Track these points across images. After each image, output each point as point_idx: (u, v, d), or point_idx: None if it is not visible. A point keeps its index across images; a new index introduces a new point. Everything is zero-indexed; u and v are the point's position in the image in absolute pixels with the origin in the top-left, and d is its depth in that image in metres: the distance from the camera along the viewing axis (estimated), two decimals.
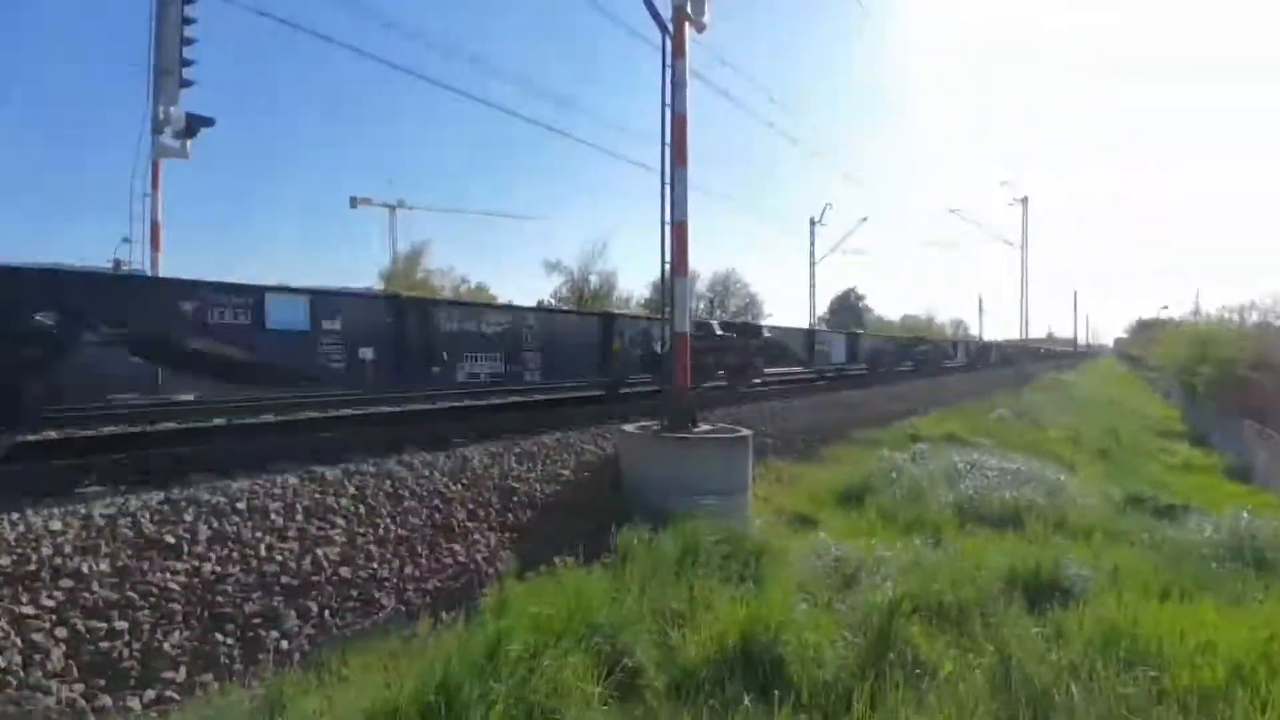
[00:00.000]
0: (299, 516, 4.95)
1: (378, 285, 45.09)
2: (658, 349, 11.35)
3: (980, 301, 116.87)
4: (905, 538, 6.77)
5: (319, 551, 4.74)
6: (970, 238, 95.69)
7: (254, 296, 6.35)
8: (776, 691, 3.72)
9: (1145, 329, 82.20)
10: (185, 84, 14.58)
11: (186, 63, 14.49)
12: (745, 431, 7.93)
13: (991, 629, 4.52)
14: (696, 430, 7.95)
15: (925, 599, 4.83)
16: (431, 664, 3.53)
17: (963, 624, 4.63)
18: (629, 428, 8.03)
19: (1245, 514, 7.10)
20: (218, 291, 6.17)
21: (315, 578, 4.55)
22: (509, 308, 10.42)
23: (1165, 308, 68.12)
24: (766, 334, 16.34)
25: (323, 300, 7.06)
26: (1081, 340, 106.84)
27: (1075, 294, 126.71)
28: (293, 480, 5.30)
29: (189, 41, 14.45)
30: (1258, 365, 26.52)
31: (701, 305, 66.13)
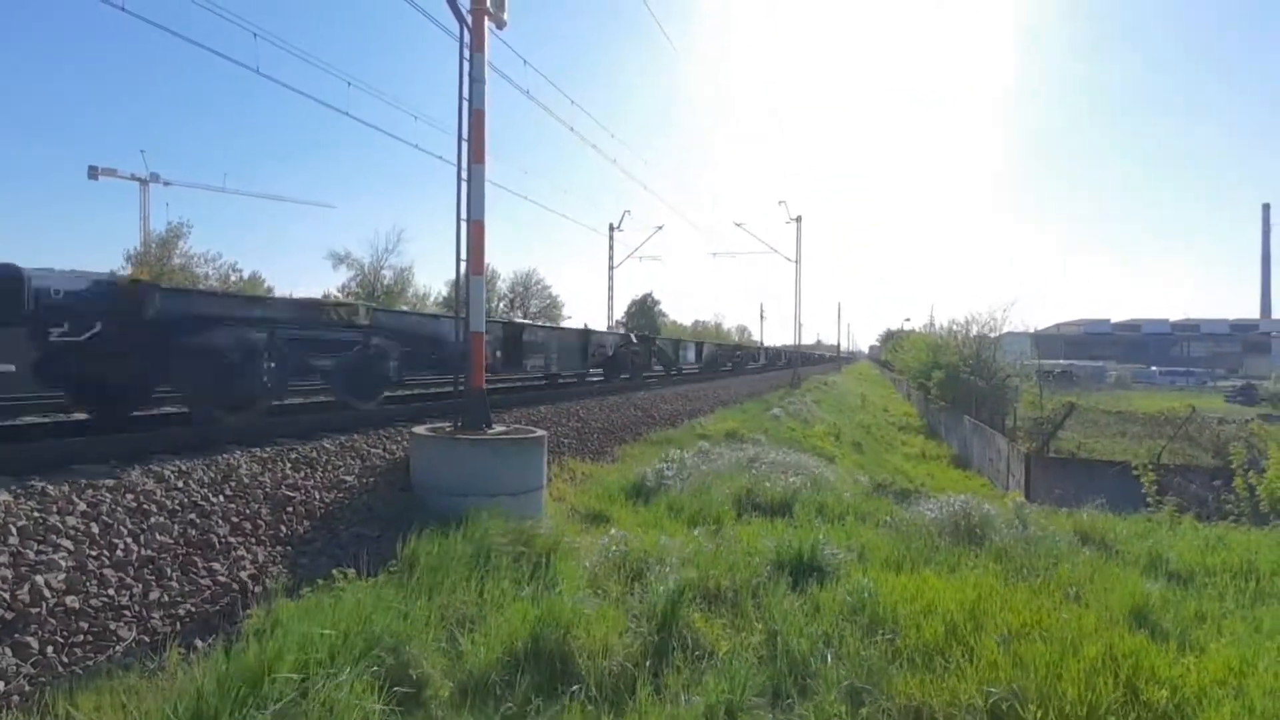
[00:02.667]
0: (12, 539, 4.18)
1: (124, 270, 39.32)
2: (609, 352, 19.02)
3: (761, 309, 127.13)
4: (690, 529, 7.18)
5: (39, 579, 4.03)
6: (753, 250, 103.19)
7: None
8: (565, 686, 3.79)
9: (892, 337, 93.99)
10: None
11: None
12: (540, 432, 7.95)
13: (762, 608, 4.92)
14: (491, 431, 7.84)
15: (705, 585, 5.14)
16: (180, 698, 3.15)
17: (737, 606, 4.99)
18: (421, 430, 7.72)
19: (962, 496, 8.38)
20: None
21: (34, 610, 3.87)
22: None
23: (908, 320, 78.46)
24: (658, 342, 23.62)
25: None
26: (844, 346, 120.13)
27: (839, 305, 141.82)
28: (4, 497, 4.47)
29: None
30: (975, 370, 31.38)
31: (502, 305, 65.28)
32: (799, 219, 41.65)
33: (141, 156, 74.59)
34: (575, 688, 3.79)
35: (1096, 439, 22.64)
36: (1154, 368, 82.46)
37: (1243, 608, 5.59)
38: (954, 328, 37.54)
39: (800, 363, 47.64)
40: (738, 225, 45.48)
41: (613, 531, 6.57)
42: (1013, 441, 20.13)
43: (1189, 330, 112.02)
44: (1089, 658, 4.12)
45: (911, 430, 37.10)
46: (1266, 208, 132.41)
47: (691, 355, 31.89)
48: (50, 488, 4.77)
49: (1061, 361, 67.57)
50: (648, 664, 4.07)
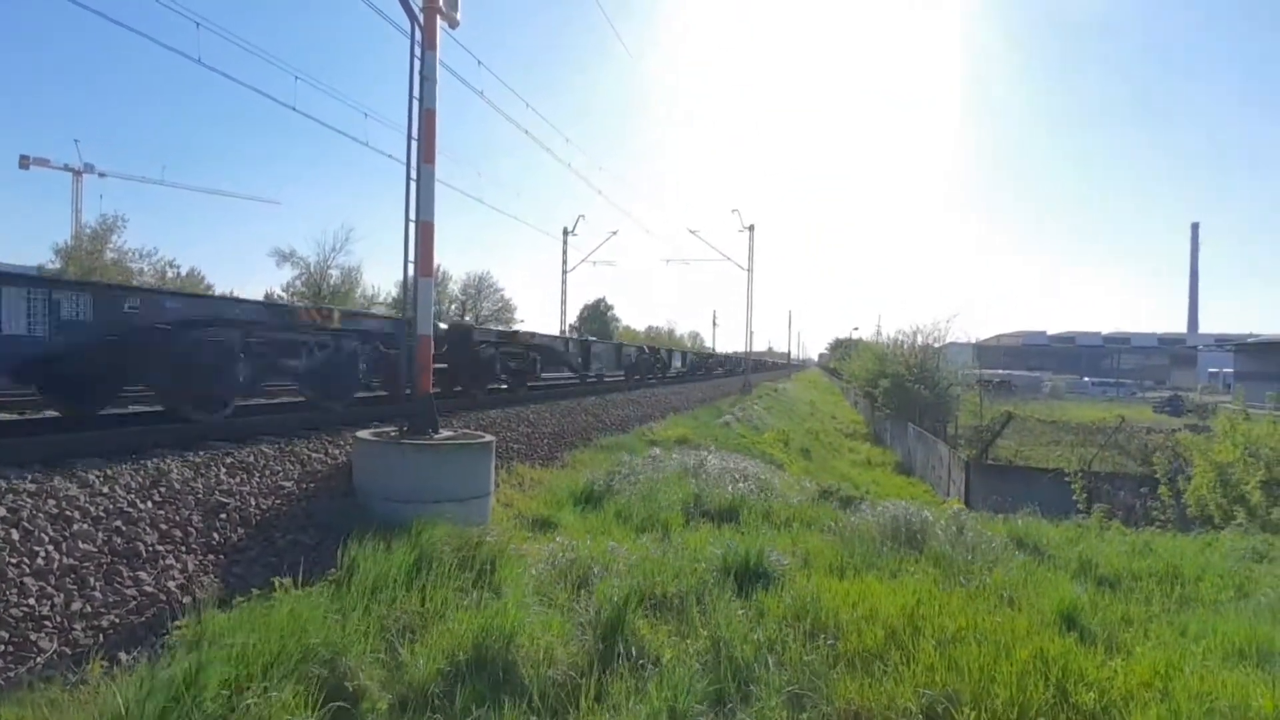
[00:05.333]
0: None
1: (54, 264, 37.56)
2: (632, 359, 23.77)
3: (714, 316, 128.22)
4: (638, 536, 7.18)
5: None
6: (706, 257, 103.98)
7: None
8: (506, 696, 3.74)
9: (841, 346, 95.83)
10: None
11: None
12: (488, 437, 7.85)
13: (707, 615, 4.93)
14: (438, 436, 7.71)
15: (651, 592, 5.15)
16: (101, 713, 3.01)
17: (683, 613, 5.00)
18: (365, 434, 7.55)
19: (904, 503, 8.57)
20: None
21: None
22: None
23: (856, 329, 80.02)
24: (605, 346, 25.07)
25: None
26: (795, 354, 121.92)
27: (790, 313, 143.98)
28: None
29: None
30: (920, 379, 32.19)
31: (453, 307, 64.44)
32: (751, 228, 42.22)
33: (75, 146, 71.46)
34: (518, 698, 3.75)
35: (1033, 447, 23.47)
36: (1087, 378, 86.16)
37: (1168, 612, 5.83)
38: (900, 337, 38.48)
39: (752, 369, 48.18)
40: (692, 232, 45.85)
41: (560, 538, 6.53)
42: (954, 449, 20.71)
43: (1120, 343, 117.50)
44: (1021, 660, 4.25)
45: (858, 437, 37.86)
46: (1195, 226, 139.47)
47: (679, 361, 36.91)
48: None
49: (1000, 371, 70.10)
50: (592, 672, 4.05)
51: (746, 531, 7.32)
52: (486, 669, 3.98)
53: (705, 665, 4.26)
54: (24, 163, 55.65)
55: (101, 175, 57.57)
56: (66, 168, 57.02)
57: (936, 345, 36.36)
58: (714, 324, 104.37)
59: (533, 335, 17.20)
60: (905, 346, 37.30)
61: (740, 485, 9.94)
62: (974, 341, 41.62)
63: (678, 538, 6.92)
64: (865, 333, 64.76)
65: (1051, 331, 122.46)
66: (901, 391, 32.47)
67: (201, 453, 6.50)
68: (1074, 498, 14.61)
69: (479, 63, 13.40)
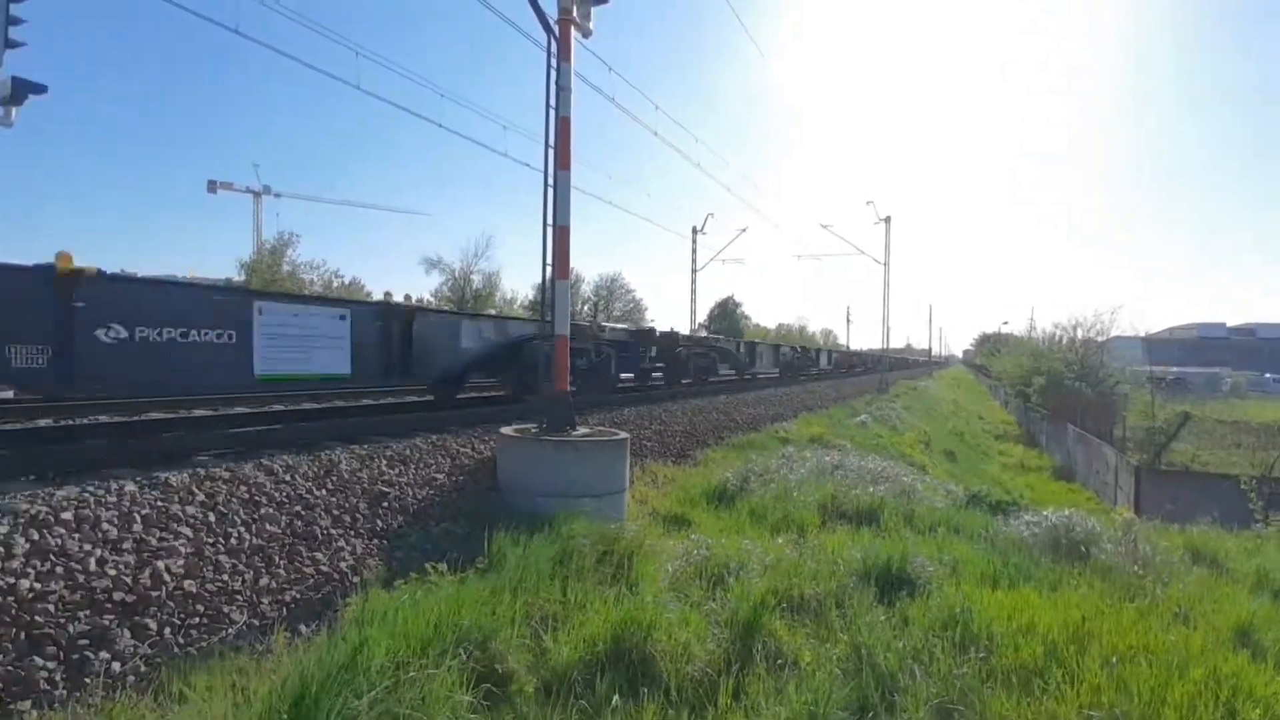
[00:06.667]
0: (137, 526, 4.54)
1: (238, 277, 42.12)
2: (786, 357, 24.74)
3: (848, 312, 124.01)
4: (772, 535, 7.08)
5: (160, 564, 4.37)
6: (839, 252, 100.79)
7: None
8: (645, 688, 3.80)
9: (988, 341, 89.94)
10: (12, 45, 13.03)
11: (14, 21, 12.95)
12: (623, 434, 8.02)
13: (846, 620, 4.79)
14: (575, 433, 7.96)
15: (788, 593, 5.06)
16: (286, 680, 3.34)
17: (821, 616, 4.88)
18: (508, 430, 7.93)
19: (1065, 511, 7.92)
20: None
21: (155, 593, 4.19)
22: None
23: (1006, 323, 74.91)
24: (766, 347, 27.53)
25: None
26: (935, 351, 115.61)
27: (930, 308, 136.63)
28: (130, 487, 4.86)
29: None
30: (1080, 376, 29.62)
31: (586, 308, 66.25)
32: (887, 219, 40.47)
33: (255, 170, 79.84)
34: (655, 690, 3.80)
35: (1211, 450, 21.03)
36: (1270, 375, 75.63)
37: None
38: (1057, 331, 35.59)
39: (889, 367, 46.17)
40: (824, 227, 44.73)
41: (694, 536, 6.56)
42: (1122, 453, 18.90)
43: None
44: (1194, 681, 3.96)
45: (1009, 439, 35.38)
46: None
47: (826, 360, 37.46)
48: (172, 478, 5.16)
49: (1173, 368, 63.01)
50: (729, 671, 4.04)
51: (887, 536, 7.05)
52: (625, 660, 4.06)
53: (846, 671, 4.14)
54: (212, 187, 62.75)
55: (277, 195, 63.96)
56: (248, 190, 63.80)
57: (1099, 340, 33.36)
58: (847, 320, 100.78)
59: (717, 339, 22.33)
60: (1063, 341, 34.47)
61: (879, 487, 9.56)
62: (1142, 335, 37.69)
63: (814, 539, 6.77)
64: (1016, 327, 60.43)
65: (1231, 323, 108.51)
66: (1060, 390, 30.06)
67: (366, 445, 7.07)
68: (1250, 506, 13.02)
69: (609, 69, 13.68)
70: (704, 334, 28.91)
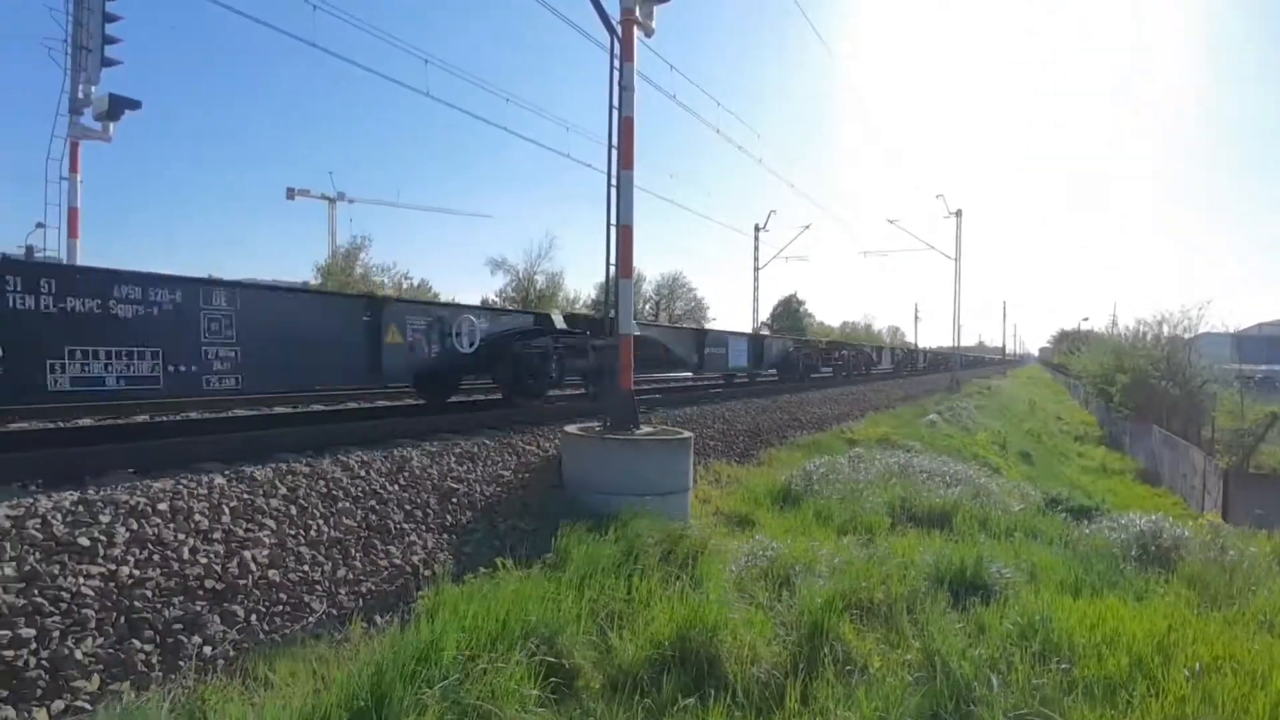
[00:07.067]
0: (225, 518, 4.78)
1: (314, 280, 43.79)
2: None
3: (916, 309, 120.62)
4: (839, 537, 6.95)
5: (246, 554, 4.58)
6: (907, 247, 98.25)
7: None
8: (711, 689, 3.78)
9: (1067, 338, 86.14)
10: (108, 63, 13.90)
11: (110, 40, 13.81)
12: (687, 434, 8.00)
13: (918, 625, 4.67)
14: (639, 431, 7.99)
15: (856, 597, 4.96)
16: (362, 668, 3.46)
17: (891, 621, 4.77)
18: (572, 429, 8.01)
19: (1151, 516, 7.54)
20: None
21: (242, 581, 4.40)
22: None
23: (1086, 319, 71.64)
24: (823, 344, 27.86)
25: None
26: (1009, 348, 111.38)
27: (1004, 304, 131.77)
28: (219, 480, 5.12)
29: (112, 18, 13.77)
30: (1166, 375, 28.07)
31: (647, 307, 66.38)
32: (958, 213, 39.17)
33: (329, 177, 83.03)
34: (722, 691, 3.78)
35: None
36: None
37: None
38: (1141, 327, 33.80)
39: (960, 365, 44.74)
40: (890, 222, 43.42)
41: (758, 536, 6.49)
42: (1209, 455, 17.82)
43: None
44: (1276, 691, 3.86)
45: (1090, 441, 33.82)
46: None
47: (887, 359, 38.27)
48: (257, 472, 5.40)
49: (1261, 367, 58.89)
50: (796, 674, 3.98)
51: (960, 540, 6.84)
52: (690, 660, 4.05)
53: (918, 679, 4.03)
54: (290, 194, 65.32)
55: (350, 201, 66.13)
56: (323, 196, 66.13)
57: (1186, 336, 31.50)
58: (915, 317, 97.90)
59: (818, 342, 25.02)
60: (1148, 338, 32.71)
61: (952, 490, 9.27)
62: (1232, 331, 35.40)
63: (883, 542, 6.63)
64: (1097, 323, 57.64)
65: None
66: (1144, 389, 28.57)
67: (435, 443, 7.25)
68: None
69: (671, 67, 13.68)
70: (767, 333, 28.61)
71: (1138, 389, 29.31)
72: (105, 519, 4.25)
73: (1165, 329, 32.16)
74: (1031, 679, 3.98)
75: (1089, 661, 4.22)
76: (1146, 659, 4.24)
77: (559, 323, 10.98)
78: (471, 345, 9.15)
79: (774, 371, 22.26)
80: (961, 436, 20.73)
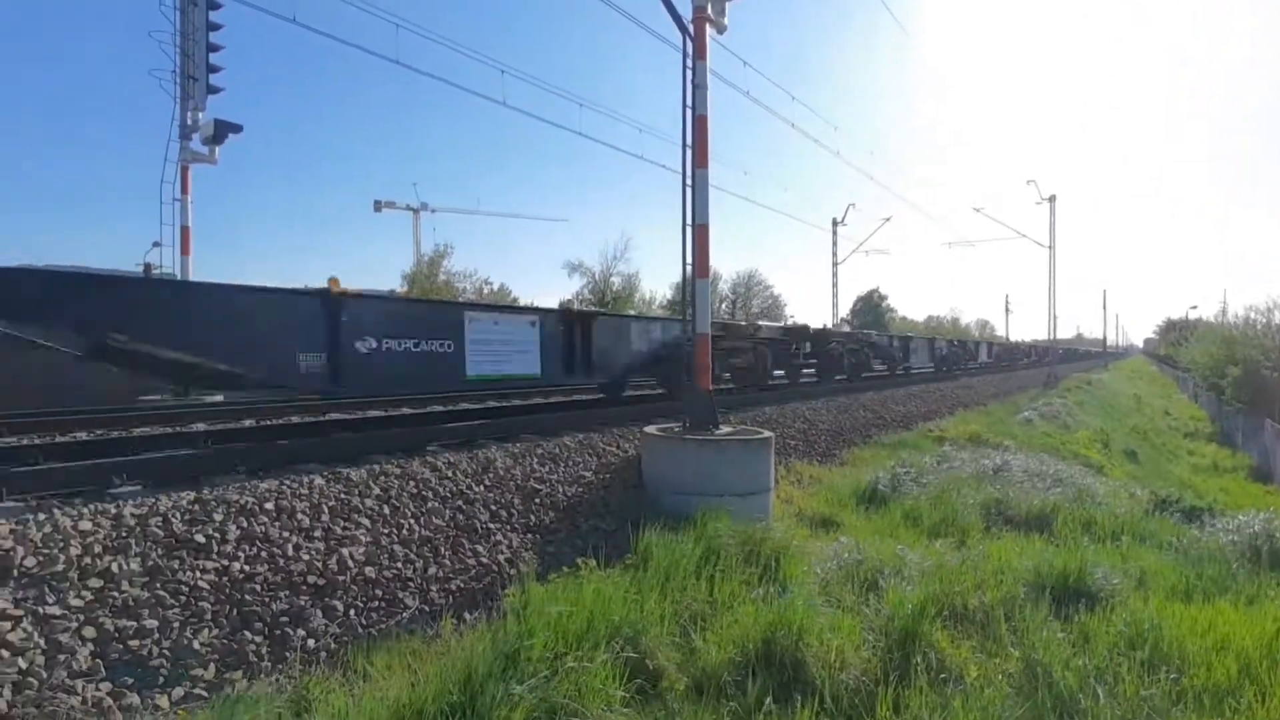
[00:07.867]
0: (325, 517, 5.02)
1: (400, 287, 45.45)
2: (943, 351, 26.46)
3: (1006, 301, 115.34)
4: (929, 540, 6.72)
5: (344, 551, 4.80)
6: (995, 237, 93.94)
7: None
8: (798, 694, 3.72)
9: (1174, 329, 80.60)
10: (213, 90, 14.86)
11: (213, 69, 14.76)
12: (767, 433, 7.90)
13: (1017, 633, 4.47)
14: (718, 432, 7.94)
15: (949, 602, 4.78)
16: (454, 664, 3.57)
17: (988, 628, 4.58)
18: (651, 429, 8.04)
19: (1263, 514, 6.99)
20: None
21: (340, 577, 4.61)
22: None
23: (1194, 308, 67.02)
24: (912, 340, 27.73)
25: None
26: (1111, 340, 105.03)
27: (1104, 293, 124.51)
28: (319, 481, 5.38)
29: (215, 49, 14.72)
30: (1279, 367, 25.86)
31: (724, 306, 65.91)
32: (1052, 199, 37.21)
33: (413, 189, 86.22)
34: (809, 697, 3.71)
35: None
36: None
37: None
38: (1253, 316, 31.20)
39: (1057, 359, 42.48)
40: (977, 210, 41.76)
41: (843, 538, 6.35)
42: None
43: None
44: None
45: (1200, 437, 31.52)
46: None
47: (985, 353, 37.01)
48: (353, 473, 5.65)
49: None
50: (887, 681, 3.87)
51: (1062, 543, 6.50)
52: (776, 664, 4.00)
53: (1019, 689, 3.85)
54: (377, 206, 68.04)
55: (433, 211, 68.30)
56: (408, 207, 68.58)
57: None
58: (1006, 310, 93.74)
59: (869, 334, 23.86)
60: (1261, 327, 30.16)
61: (1051, 491, 8.82)
62: None
63: (977, 545, 6.36)
64: (1206, 312, 53.64)
65: None
66: (1257, 381, 26.35)
67: (518, 444, 7.41)
68: None
69: (744, 63, 13.57)
70: (846, 328, 27.90)
71: (1249, 381, 27.10)
72: (218, 517, 4.53)
73: (1278, 316, 29.61)
74: (1139, 689, 3.75)
75: (1198, 669, 3.99)
76: (1255, 664, 4.03)
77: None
78: (648, 349, 10.59)
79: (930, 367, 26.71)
80: (1060, 434, 19.69)
